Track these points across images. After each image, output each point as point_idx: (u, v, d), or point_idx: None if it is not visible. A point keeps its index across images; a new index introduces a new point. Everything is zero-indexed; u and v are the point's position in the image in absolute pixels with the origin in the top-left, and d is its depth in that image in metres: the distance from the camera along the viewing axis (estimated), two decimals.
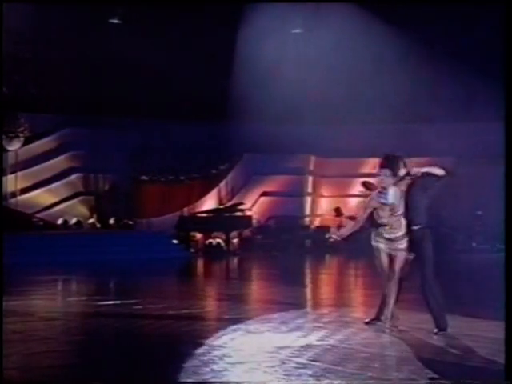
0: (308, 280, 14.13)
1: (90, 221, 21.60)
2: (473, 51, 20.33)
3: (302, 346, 6.20)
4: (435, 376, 5.13)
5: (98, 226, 21.41)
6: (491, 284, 12.24)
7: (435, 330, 6.74)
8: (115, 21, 21.70)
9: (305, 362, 5.63)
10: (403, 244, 6.97)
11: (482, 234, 21.43)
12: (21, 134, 20.54)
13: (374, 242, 7.17)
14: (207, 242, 20.59)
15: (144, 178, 23.01)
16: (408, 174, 6.94)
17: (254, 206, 23.07)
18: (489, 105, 20.39)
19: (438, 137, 21.29)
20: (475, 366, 5.52)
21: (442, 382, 5.07)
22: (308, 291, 11.78)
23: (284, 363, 5.59)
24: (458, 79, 19.92)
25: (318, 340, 6.52)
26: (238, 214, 21.62)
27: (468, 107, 20.23)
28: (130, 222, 21.49)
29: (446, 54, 19.91)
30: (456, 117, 20.85)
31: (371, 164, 23.91)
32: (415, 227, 6.90)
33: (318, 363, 5.58)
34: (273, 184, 23.56)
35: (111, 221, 21.34)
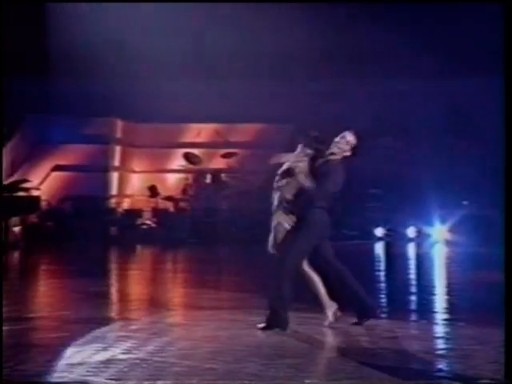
0: (113, 278, 14.04)
1: None
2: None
3: (101, 362, 6.15)
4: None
5: None
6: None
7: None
8: None
9: (105, 380, 5.57)
10: None
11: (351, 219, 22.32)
12: None
13: None
14: None
15: None
16: None
17: (42, 183, 22.67)
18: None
19: (273, 98, 21.98)
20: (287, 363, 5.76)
21: (443, 381, 5.45)
22: (112, 292, 11.70)
23: None
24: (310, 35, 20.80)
25: (123, 353, 6.50)
26: (21, 194, 21.00)
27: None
28: None
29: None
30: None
31: (194, 130, 24.22)
32: None
33: (121, 381, 5.55)
34: (67, 155, 23.17)
35: None
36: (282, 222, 7.48)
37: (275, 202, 7.55)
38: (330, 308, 7.54)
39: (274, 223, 7.54)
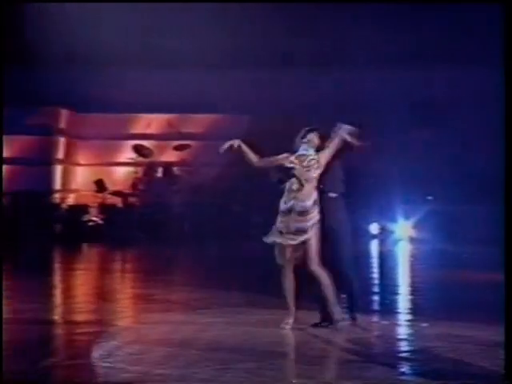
0: (57, 278, 13.95)
1: None
2: None
3: (45, 367, 6.09)
4: None
5: None
6: None
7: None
8: None
9: None
10: None
11: None
12: None
13: None
14: None
15: None
16: None
17: None
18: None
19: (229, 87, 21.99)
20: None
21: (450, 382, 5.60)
22: (56, 293, 11.66)
23: None
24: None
25: (68, 358, 6.46)
26: None
27: None
28: None
29: None
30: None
31: (144, 121, 24.12)
32: None
33: None
34: (6, 147, 22.77)
35: None
36: (319, 219, 7.51)
37: (313, 197, 7.52)
38: (291, 316, 7.55)
39: (309, 222, 7.45)
